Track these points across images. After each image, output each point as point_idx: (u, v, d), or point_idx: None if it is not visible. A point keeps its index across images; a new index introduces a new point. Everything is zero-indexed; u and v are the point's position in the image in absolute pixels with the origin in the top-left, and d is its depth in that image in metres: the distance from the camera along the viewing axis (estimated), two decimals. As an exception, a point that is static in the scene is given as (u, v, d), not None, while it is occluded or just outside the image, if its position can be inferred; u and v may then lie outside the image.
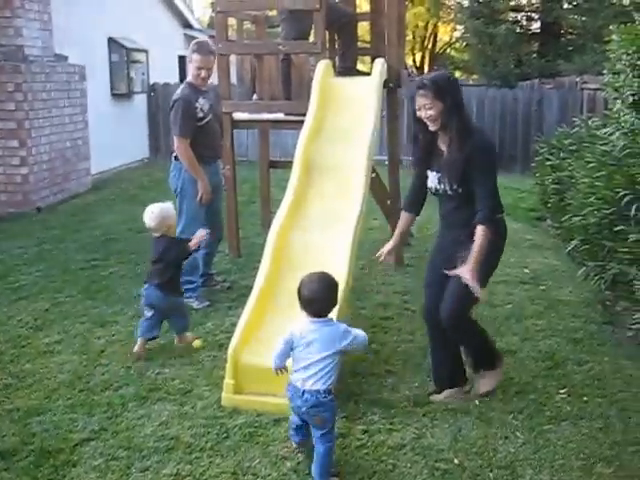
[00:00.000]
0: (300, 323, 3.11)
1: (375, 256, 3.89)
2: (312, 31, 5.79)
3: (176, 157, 5.31)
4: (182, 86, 5.35)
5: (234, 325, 4.07)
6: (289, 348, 3.11)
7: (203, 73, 5.26)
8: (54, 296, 5.46)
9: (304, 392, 3.01)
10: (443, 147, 3.56)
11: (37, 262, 6.37)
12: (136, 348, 4.31)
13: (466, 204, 3.47)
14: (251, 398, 3.65)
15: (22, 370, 4.14)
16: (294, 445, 3.27)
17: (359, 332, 3.15)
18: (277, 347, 3.15)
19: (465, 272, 3.31)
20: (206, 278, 5.61)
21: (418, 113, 3.48)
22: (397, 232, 3.96)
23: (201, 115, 5.24)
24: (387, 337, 4.65)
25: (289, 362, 3.18)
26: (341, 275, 3.83)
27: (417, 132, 3.63)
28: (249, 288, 4.22)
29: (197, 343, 4.49)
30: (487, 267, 3.49)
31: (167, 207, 4.59)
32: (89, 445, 3.32)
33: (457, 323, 3.57)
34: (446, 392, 3.80)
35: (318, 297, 3.06)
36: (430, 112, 3.43)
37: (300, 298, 3.09)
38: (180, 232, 5.04)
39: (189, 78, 5.36)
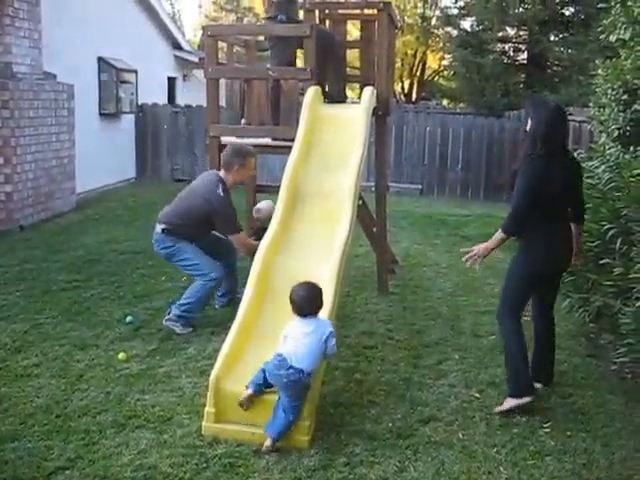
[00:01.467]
0: (293, 324, 3.62)
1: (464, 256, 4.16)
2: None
3: (163, 230, 5.26)
4: (220, 183, 5.21)
5: (216, 351, 4.02)
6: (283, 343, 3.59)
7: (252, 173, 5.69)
8: (34, 317, 5.37)
9: (291, 367, 3.45)
10: None
11: (18, 282, 6.28)
12: None
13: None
14: (232, 427, 3.59)
15: (-2, 393, 4.06)
16: (250, 391, 3.55)
17: (333, 347, 3.63)
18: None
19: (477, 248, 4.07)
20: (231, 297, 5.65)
21: None
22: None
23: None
24: (371, 367, 4.61)
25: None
26: (326, 304, 3.81)
27: None
28: (233, 314, 4.18)
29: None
30: (515, 272, 4.13)
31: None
32: (64, 474, 3.24)
33: (499, 321, 4.20)
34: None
35: (304, 303, 3.61)
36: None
37: (291, 303, 3.64)
38: (202, 275, 5.15)
39: (224, 177, 5.26)
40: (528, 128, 4.00)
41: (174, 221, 5.24)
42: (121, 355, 4.61)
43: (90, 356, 4.66)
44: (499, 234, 4.03)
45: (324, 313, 3.78)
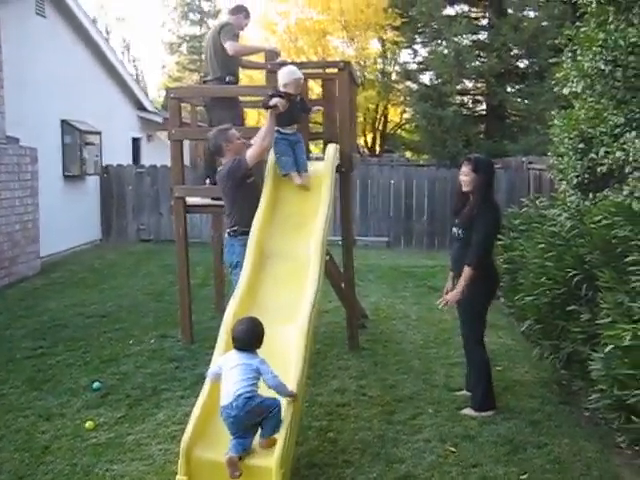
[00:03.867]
0: (228, 354, 3.72)
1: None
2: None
3: (229, 233, 5.33)
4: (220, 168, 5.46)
5: (187, 415, 3.93)
6: (220, 370, 3.67)
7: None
8: (-3, 388, 5.22)
9: (232, 402, 3.47)
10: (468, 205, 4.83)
11: (-20, 351, 6.11)
12: None
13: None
14: (204, 495, 3.48)
15: (-41, 471, 3.91)
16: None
17: (271, 374, 3.58)
18: (212, 367, 3.80)
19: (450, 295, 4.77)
20: None
21: (460, 177, 4.87)
22: None
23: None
24: (344, 425, 4.54)
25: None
26: (297, 364, 3.76)
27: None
28: (203, 376, 4.10)
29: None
30: (476, 301, 4.73)
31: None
32: None
33: (469, 350, 4.88)
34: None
35: (241, 336, 3.68)
36: (465, 178, 4.80)
37: (232, 337, 3.73)
38: None
39: (231, 158, 5.34)
40: (473, 181, 4.75)
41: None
42: (88, 424, 4.48)
43: (56, 426, 4.52)
44: (470, 271, 4.61)
45: (294, 376, 3.74)
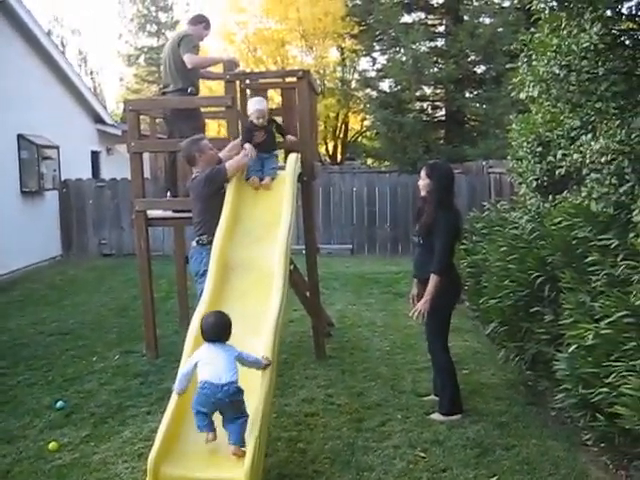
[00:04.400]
0: (201, 348, 3.75)
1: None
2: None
3: (197, 241, 5.30)
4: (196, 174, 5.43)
5: (154, 432, 3.87)
6: (193, 368, 3.68)
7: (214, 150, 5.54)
8: (-45, 411, 5.08)
9: (223, 385, 3.53)
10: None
11: (-63, 374, 5.94)
12: None
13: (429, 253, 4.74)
14: (173, 513, 3.42)
15: None
16: (210, 435, 3.60)
17: (247, 354, 3.74)
18: (184, 368, 3.78)
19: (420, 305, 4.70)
20: None
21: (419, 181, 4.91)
22: None
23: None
24: (313, 434, 4.51)
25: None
26: (262, 376, 3.74)
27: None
28: (169, 391, 4.05)
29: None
30: (441, 306, 4.70)
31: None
32: None
33: (434, 354, 4.91)
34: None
35: (212, 329, 3.74)
36: (421, 182, 4.86)
37: (201, 331, 3.81)
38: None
39: (202, 169, 5.38)
40: (428, 187, 4.81)
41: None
42: (52, 445, 4.37)
43: (18, 449, 4.40)
44: (436, 279, 4.63)
45: (262, 387, 3.73)
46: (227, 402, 3.55)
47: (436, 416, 4.75)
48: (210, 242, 5.01)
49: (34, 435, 4.62)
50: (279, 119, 6.15)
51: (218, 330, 3.74)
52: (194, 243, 5.37)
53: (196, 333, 4.07)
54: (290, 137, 5.76)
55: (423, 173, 4.88)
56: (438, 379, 4.96)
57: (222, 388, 3.54)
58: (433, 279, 4.63)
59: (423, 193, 4.88)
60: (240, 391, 3.60)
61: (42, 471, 4.08)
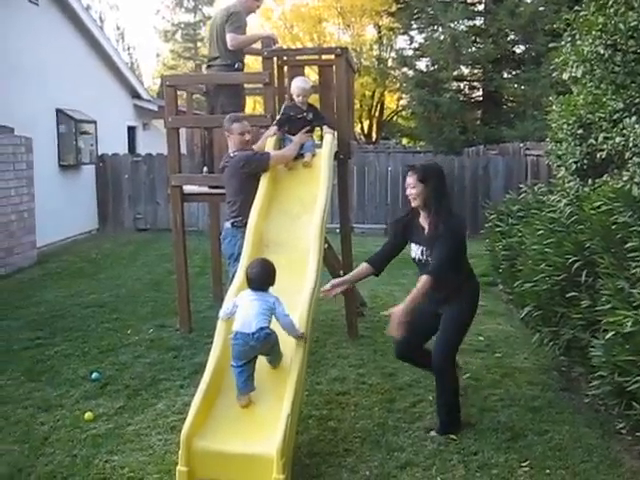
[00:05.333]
0: (243, 292, 3.90)
1: (321, 290, 4.19)
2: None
3: (232, 223, 5.25)
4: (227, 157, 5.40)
5: (187, 405, 3.92)
6: (235, 308, 3.82)
7: (247, 136, 5.37)
8: (-5, 379, 5.20)
9: (254, 333, 3.64)
10: (425, 224, 4.20)
11: (-23, 342, 6.09)
12: None
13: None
14: (205, 486, 3.47)
15: (-43, 463, 3.88)
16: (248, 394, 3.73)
17: (284, 313, 3.78)
18: (225, 306, 3.97)
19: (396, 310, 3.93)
20: None
21: (407, 190, 4.18)
22: (350, 275, 4.43)
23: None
24: (344, 413, 4.52)
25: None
26: (296, 353, 3.75)
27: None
28: (202, 365, 4.08)
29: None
30: (465, 314, 4.22)
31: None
32: None
33: (442, 368, 4.15)
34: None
35: (256, 277, 3.84)
36: (412, 191, 4.12)
37: (246, 278, 3.92)
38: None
39: (234, 149, 5.35)
40: (423, 194, 4.13)
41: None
42: (87, 415, 4.46)
43: (55, 417, 4.50)
44: (427, 279, 3.94)
45: (295, 364, 3.75)
46: (259, 347, 3.69)
47: (434, 433, 4.21)
48: (245, 224, 4.93)
49: (70, 405, 4.71)
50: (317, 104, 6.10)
51: (263, 278, 3.84)
52: (228, 224, 5.31)
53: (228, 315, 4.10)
54: (327, 129, 5.70)
55: (412, 179, 4.14)
56: (438, 396, 4.29)
57: (253, 336, 3.65)
58: (424, 280, 3.96)
59: (415, 203, 4.19)
60: (272, 334, 3.73)
61: (78, 440, 4.16)
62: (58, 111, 11.82)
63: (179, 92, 6.71)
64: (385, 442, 4.09)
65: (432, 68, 18.06)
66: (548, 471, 3.75)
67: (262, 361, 3.84)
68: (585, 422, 4.38)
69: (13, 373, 5.32)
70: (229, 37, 6.28)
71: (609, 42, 4.28)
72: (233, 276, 4.86)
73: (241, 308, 3.78)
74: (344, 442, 4.10)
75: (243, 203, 5.14)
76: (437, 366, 4.17)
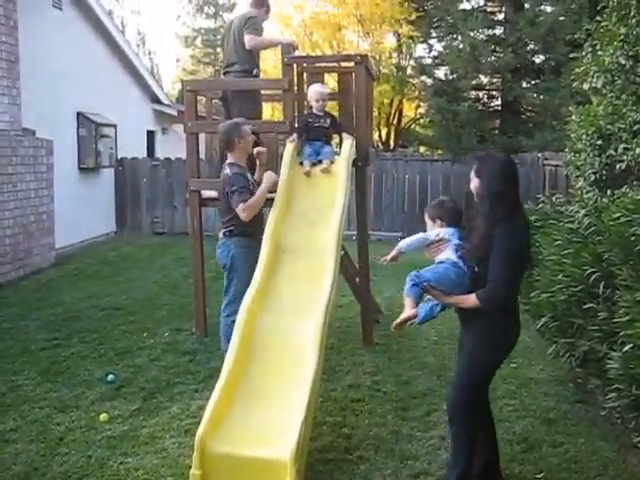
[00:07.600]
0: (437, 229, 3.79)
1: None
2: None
3: (224, 233, 5.23)
4: (228, 167, 5.21)
5: (201, 409, 3.93)
6: (423, 241, 3.85)
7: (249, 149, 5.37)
8: (12, 378, 5.24)
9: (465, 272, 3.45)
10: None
11: (-5, 342, 6.15)
12: None
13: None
14: (219, 490, 3.47)
15: (-26, 461, 3.92)
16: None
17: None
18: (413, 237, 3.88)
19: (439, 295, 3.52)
20: None
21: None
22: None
23: (252, 188, 5.16)
24: (358, 421, 4.52)
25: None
26: (311, 359, 3.75)
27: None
28: (217, 370, 4.10)
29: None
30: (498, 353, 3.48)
31: None
32: None
33: (453, 411, 3.48)
34: None
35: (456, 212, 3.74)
36: (470, 185, 3.54)
37: (448, 216, 3.78)
38: (226, 305, 5.11)
39: (232, 160, 5.24)
40: (477, 189, 3.49)
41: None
42: (103, 416, 4.49)
43: (70, 418, 4.53)
44: (474, 301, 3.30)
45: (310, 370, 3.73)
46: (464, 287, 3.44)
47: None
48: (240, 234, 5.00)
49: (86, 406, 4.75)
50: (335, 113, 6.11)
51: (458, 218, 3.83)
52: (221, 234, 5.29)
53: (244, 318, 4.09)
54: (346, 135, 5.71)
55: (473, 170, 3.51)
56: (452, 458, 3.55)
57: (465, 275, 3.48)
58: (471, 299, 3.31)
59: (477, 199, 3.55)
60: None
61: (93, 441, 4.19)
62: (79, 114, 11.94)
63: (199, 97, 6.76)
64: (399, 450, 4.08)
65: (451, 77, 17.99)
66: (563, 483, 3.73)
67: (276, 368, 3.83)
68: (601, 435, 4.35)
69: (30, 373, 5.37)
70: (247, 37, 6.33)
71: (631, 53, 4.26)
72: (227, 288, 4.89)
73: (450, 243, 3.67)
74: (358, 449, 4.09)
75: (235, 215, 5.08)
76: (448, 411, 3.59)
